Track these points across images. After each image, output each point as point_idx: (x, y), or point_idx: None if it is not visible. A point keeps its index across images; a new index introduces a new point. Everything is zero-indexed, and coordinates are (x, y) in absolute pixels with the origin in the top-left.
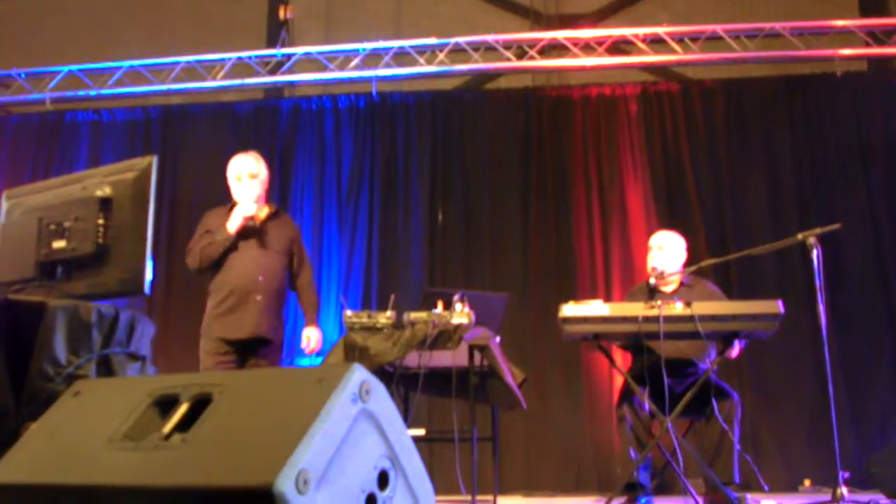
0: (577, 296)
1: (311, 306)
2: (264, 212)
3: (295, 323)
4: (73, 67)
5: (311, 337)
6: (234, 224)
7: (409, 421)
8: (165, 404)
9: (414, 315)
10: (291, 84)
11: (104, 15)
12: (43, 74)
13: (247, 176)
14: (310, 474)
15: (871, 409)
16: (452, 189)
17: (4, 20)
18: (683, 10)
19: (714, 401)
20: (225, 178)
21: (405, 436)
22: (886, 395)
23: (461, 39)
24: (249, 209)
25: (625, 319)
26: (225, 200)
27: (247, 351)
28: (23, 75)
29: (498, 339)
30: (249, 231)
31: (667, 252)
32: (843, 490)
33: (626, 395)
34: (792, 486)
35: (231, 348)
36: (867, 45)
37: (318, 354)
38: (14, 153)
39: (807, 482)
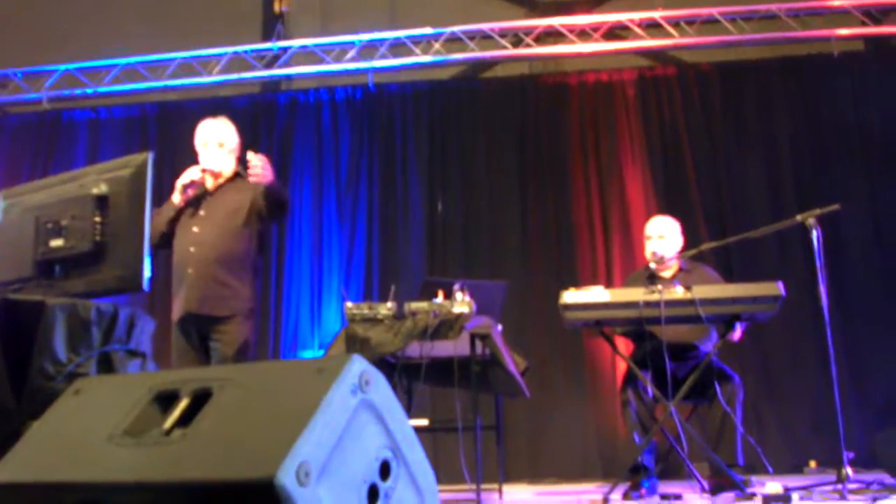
0: (577, 282)
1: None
2: (221, 178)
3: (297, 312)
4: (70, 66)
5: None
6: (176, 195)
7: (412, 411)
8: (166, 400)
9: (415, 305)
10: (288, 77)
11: (99, 11)
12: (39, 73)
13: (214, 144)
14: (311, 466)
15: (875, 388)
16: (451, 178)
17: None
18: None
19: (716, 384)
20: None
21: (406, 426)
22: (890, 374)
23: (457, 29)
24: (190, 174)
25: (626, 305)
26: None
27: (199, 332)
28: (19, 75)
29: (499, 327)
30: (197, 201)
31: (667, 239)
32: (848, 470)
33: (630, 380)
34: (797, 468)
35: (180, 331)
36: (864, 24)
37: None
38: (12, 153)
39: (812, 463)
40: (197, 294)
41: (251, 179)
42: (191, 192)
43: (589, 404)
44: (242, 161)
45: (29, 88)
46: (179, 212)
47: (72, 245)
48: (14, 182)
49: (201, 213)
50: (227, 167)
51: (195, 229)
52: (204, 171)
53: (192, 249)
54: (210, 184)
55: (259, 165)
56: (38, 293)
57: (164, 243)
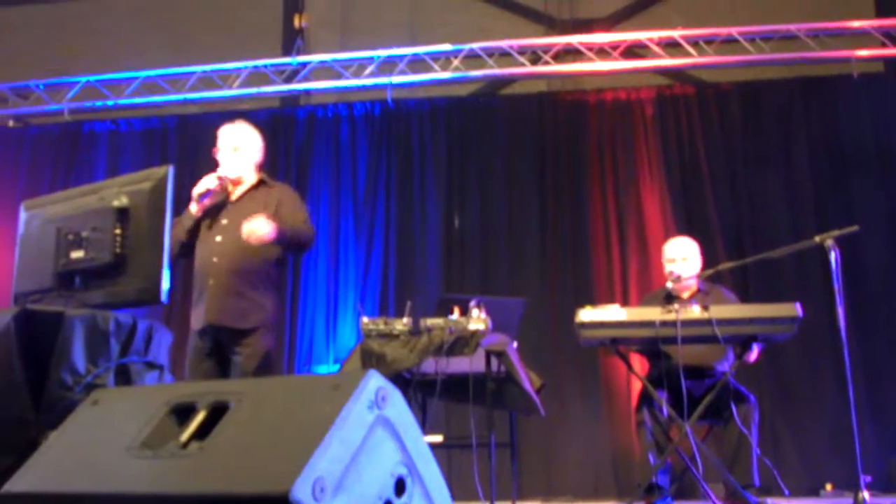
0: (593, 300)
1: (285, 223)
2: (244, 186)
3: (312, 327)
4: (91, 78)
5: (250, 221)
6: (194, 203)
7: (427, 427)
8: (183, 412)
9: (431, 321)
10: (307, 92)
11: (120, 25)
12: (61, 86)
13: (229, 149)
14: (326, 482)
15: (892, 411)
16: (468, 195)
17: (22, 32)
18: (698, 12)
19: (732, 404)
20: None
21: (421, 442)
22: None
23: (475, 45)
24: (206, 182)
25: (642, 324)
26: None
27: (219, 344)
28: (41, 87)
29: (515, 344)
30: (218, 209)
31: (689, 261)
32: (865, 494)
33: (645, 399)
34: (813, 490)
35: (201, 341)
36: (884, 45)
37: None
38: (33, 164)
39: (828, 486)
40: (218, 305)
41: (252, 241)
42: (207, 202)
43: (604, 423)
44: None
45: (50, 100)
46: (199, 221)
47: (92, 257)
48: (35, 192)
49: (223, 221)
50: (246, 173)
51: (218, 238)
52: (220, 178)
53: (214, 259)
54: (233, 193)
55: (252, 233)
56: (58, 304)
57: (183, 253)
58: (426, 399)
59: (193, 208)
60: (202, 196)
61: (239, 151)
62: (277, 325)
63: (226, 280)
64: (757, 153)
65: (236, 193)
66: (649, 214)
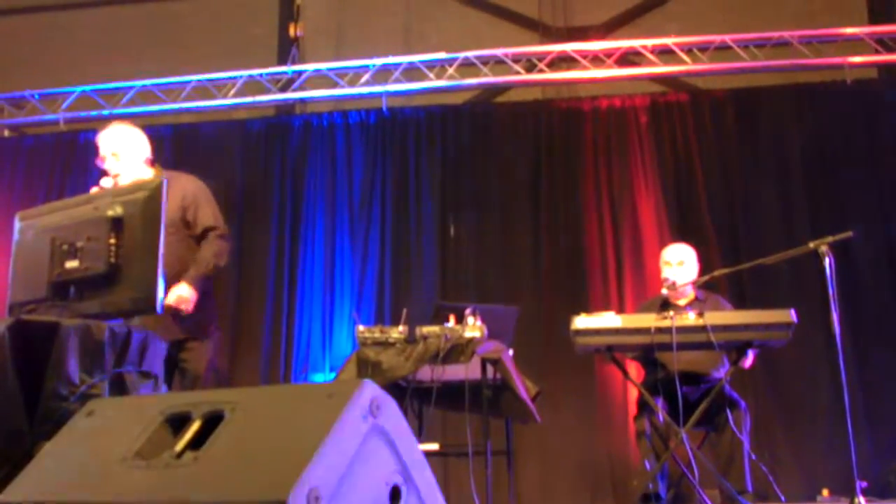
0: (589, 308)
1: (194, 262)
2: None
3: (308, 335)
4: (87, 88)
5: (172, 292)
6: None
7: (423, 435)
8: (178, 422)
9: (426, 329)
10: (302, 101)
11: (116, 35)
12: (56, 95)
13: (110, 156)
14: (321, 491)
15: (888, 416)
16: (463, 203)
17: (17, 42)
18: (692, 20)
19: (728, 411)
20: (232, 195)
21: (417, 451)
22: None
23: (470, 54)
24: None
25: (637, 331)
26: (231, 221)
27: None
28: (36, 96)
29: (510, 352)
30: None
31: (686, 266)
32: (861, 500)
33: (644, 407)
34: (810, 496)
35: None
36: (877, 52)
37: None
38: (29, 174)
39: (825, 492)
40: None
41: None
42: None
43: (600, 430)
44: None
45: (46, 110)
46: None
47: (86, 266)
48: (30, 202)
49: None
50: (138, 173)
51: None
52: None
53: None
54: None
55: (180, 305)
56: (53, 314)
57: None
58: (422, 407)
59: None
60: None
61: (119, 156)
62: (217, 330)
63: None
64: (751, 159)
65: None
66: (644, 221)
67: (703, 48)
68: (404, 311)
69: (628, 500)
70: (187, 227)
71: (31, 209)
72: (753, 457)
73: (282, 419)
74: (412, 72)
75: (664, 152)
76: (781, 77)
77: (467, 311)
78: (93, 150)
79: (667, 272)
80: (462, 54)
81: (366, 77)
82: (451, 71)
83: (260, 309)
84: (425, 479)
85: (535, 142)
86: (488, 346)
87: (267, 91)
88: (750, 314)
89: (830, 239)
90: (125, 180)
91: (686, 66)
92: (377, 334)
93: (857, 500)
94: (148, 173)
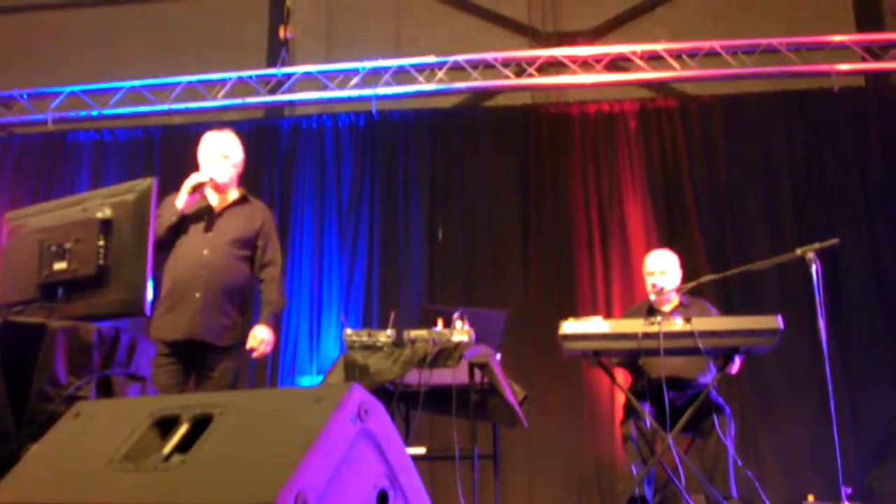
0: (577, 312)
1: (267, 304)
2: (227, 199)
3: (295, 338)
4: (75, 88)
5: (256, 336)
6: (181, 197)
7: (410, 439)
8: (166, 425)
9: (414, 333)
10: (292, 103)
11: (105, 35)
12: (45, 95)
13: (218, 155)
14: (308, 495)
15: (873, 423)
16: (452, 207)
17: (6, 41)
18: (680, 26)
19: (714, 416)
20: None
21: (404, 455)
22: (889, 408)
23: (460, 57)
24: (200, 175)
25: (625, 336)
26: None
27: (190, 357)
28: (25, 96)
29: (498, 356)
30: (202, 215)
31: (669, 275)
32: None
33: (631, 412)
34: (795, 502)
35: (170, 351)
36: (864, 60)
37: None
38: (16, 174)
39: (810, 497)
40: (201, 321)
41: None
42: (197, 197)
43: (587, 434)
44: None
45: (34, 109)
46: (178, 223)
47: (75, 268)
48: (18, 202)
49: (210, 234)
50: (231, 183)
51: (206, 252)
52: (211, 178)
53: (201, 273)
54: (215, 201)
55: (264, 347)
56: (41, 316)
57: (156, 249)
58: (409, 411)
59: (180, 203)
60: (194, 189)
61: (228, 159)
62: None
63: (212, 296)
64: (739, 165)
65: (219, 204)
66: (632, 226)
67: (692, 54)
68: (392, 314)
69: None
70: (252, 249)
71: (19, 210)
72: (739, 462)
73: (270, 423)
74: (402, 75)
75: (652, 157)
76: (769, 84)
77: (455, 315)
78: (81, 151)
79: (651, 280)
80: (452, 58)
81: (355, 80)
82: (440, 75)
83: None
84: (413, 482)
85: (523, 146)
86: (476, 350)
87: (256, 93)
88: (736, 320)
89: (817, 246)
90: (223, 180)
91: (675, 72)
92: (365, 338)
93: None
94: (235, 191)
